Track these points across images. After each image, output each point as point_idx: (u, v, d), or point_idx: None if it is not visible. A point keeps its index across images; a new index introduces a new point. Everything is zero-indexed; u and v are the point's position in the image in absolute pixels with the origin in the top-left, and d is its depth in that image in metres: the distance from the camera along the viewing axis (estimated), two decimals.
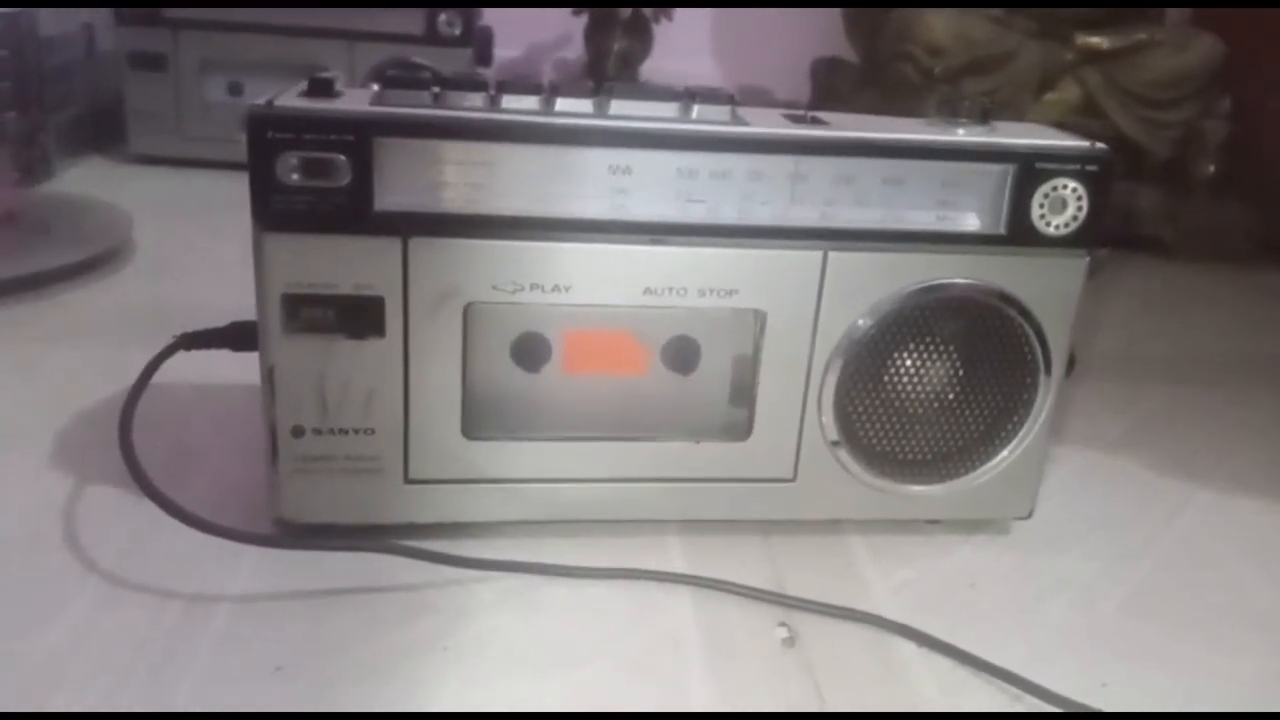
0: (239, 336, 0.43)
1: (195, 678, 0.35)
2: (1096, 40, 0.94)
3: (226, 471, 0.47)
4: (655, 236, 0.40)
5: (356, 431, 0.41)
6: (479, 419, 0.42)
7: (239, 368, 0.44)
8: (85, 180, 0.93)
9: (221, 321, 0.44)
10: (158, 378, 0.43)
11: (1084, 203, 0.42)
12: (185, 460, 0.48)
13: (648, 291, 0.41)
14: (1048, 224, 0.42)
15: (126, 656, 0.36)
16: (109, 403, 0.52)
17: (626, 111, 0.39)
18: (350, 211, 0.38)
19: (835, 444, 0.44)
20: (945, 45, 0.92)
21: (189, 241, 0.78)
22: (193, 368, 0.45)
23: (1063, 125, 0.93)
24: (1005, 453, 0.45)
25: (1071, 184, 0.41)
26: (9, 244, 0.71)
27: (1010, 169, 0.41)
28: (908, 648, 0.39)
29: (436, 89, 0.39)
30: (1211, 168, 0.95)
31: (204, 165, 0.97)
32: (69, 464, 0.47)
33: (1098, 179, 0.41)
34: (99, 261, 0.71)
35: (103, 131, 1.01)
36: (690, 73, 0.98)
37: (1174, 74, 0.94)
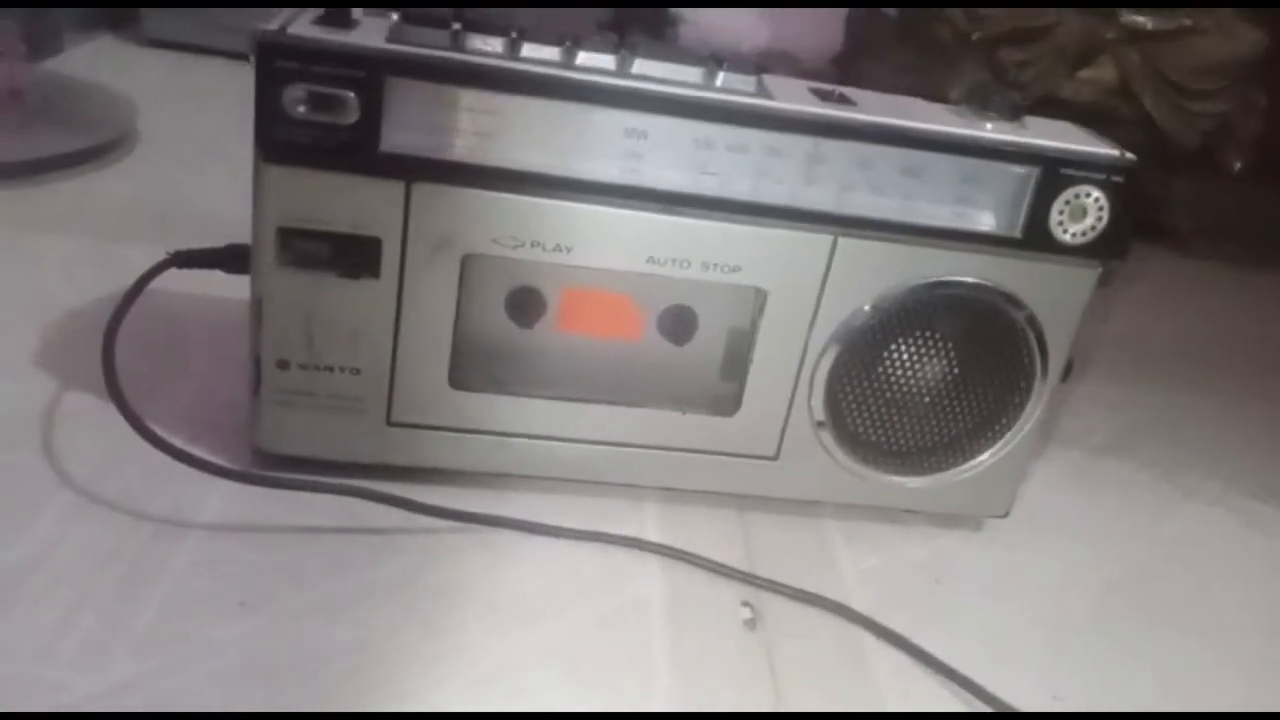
0: (233, 259, 0.42)
1: (160, 602, 0.35)
2: (1141, 20, 0.91)
3: (210, 390, 0.47)
4: (664, 205, 0.39)
5: (342, 370, 0.40)
6: (467, 369, 0.41)
7: (235, 282, 0.43)
8: (94, 60, 0.90)
9: (219, 229, 0.43)
10: (150, 285, 0.42)
11: (1105, 213, 0.41)
12: (169, 374, 0.47)
13: (651, 260, 0.40)
14: (1065, 231, 0.41)
15: (92, 574, 0.36)
16: (99, 303, 0.52)
17: (648, 72, 0.38)
18: (355, 150, 0.36)
19: (820, 425, 0.43)
20: (987, 11, 0.89)
21: (196, 134, 0.77)
22: (187, 278, 0.44)
23: (1094, 107, 0.91)
24: (989, 454, 0.45)
25: (1095, 193, 0.40)
26: (10, 124, 0.69)
27: (1035, 172, 0.40)
28: (868, 639, 0.40)
29: (457, 26, 0.37)
30: (1239, 164, 0.93)
31: (219, 54, 0.94)
32: (52, 365, 0.47)
33: (1122, 190, 0.40)
34: (101, 150, 0.69)
35: (116, 10, 0.98)
36: (725, 23, 0.95)
37: (1214, 64, 0.91)
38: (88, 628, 0.34)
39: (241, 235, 0.41)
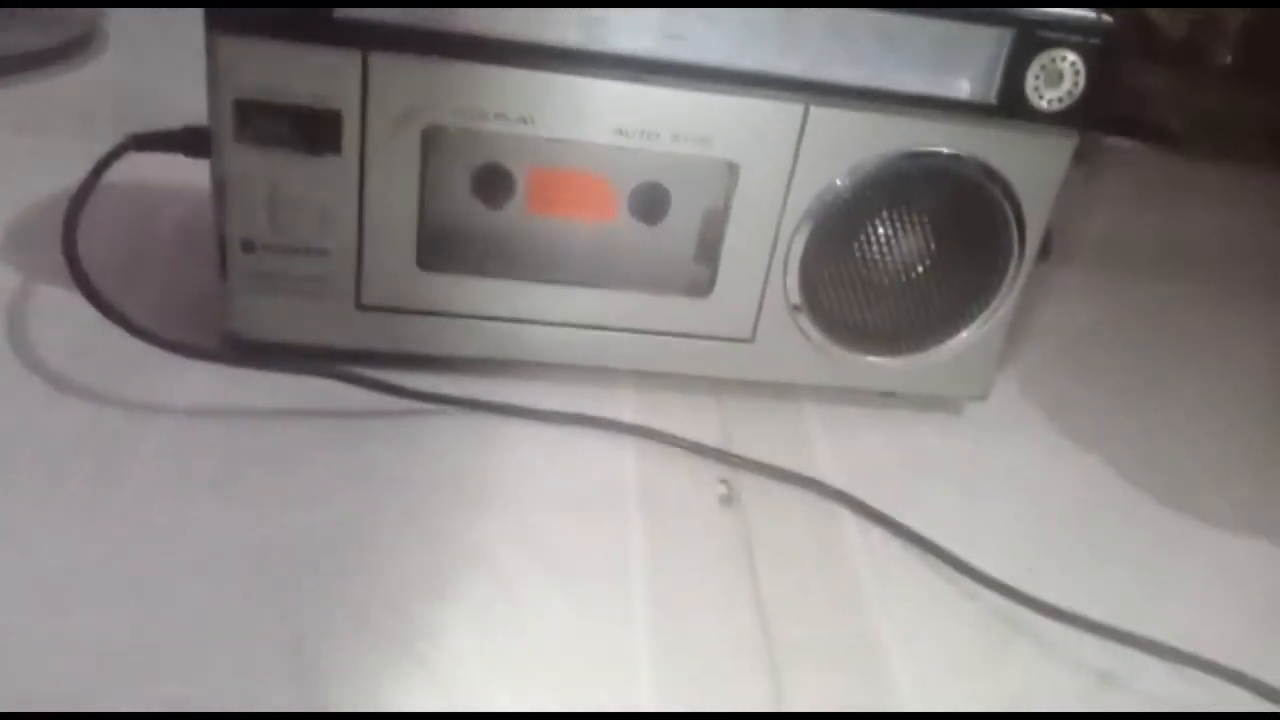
0: (193, 141, 0.41)
1: (132, 485, 0.35)
2: None
3: (179, 280, 0.46)
4: (632, 73, 0.38)
5: (308, 251, 0.40)
6: (435, 251, 0.41)
7: (200, 171, 0.42)
8: None
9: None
10: (115, 177, 0.41)
11: (1081, 78, 0.40)
12: (137, 265, 0.47)
13: (619, 132, 0.39)
14: (1041, 97, 0.40)
15: (63, 459, 0.35)
16: (65, 199, 0.51)
17: None
18: (309, 18, 0.35)
19: (796, 308, 0.43)
20: None
21: (164, 30, 0.75)
22: (152, 168, 0.43)
23: None
24: (968, 332, 0.44)
25: (1071, 56, 0.39)
26: None
27: (1009, 34, 0.39)
28: (844, 516, 0.40)
29: None
30: (1229, 57, 0.91)
31: None
32: (17, 260, 0.46)
33: (1099, 54, 0.39)
34: (66, 47, 0.68)
35: None
36: None
37: None
38: (58, 512, 0.33)
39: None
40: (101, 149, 0.41)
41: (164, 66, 0.69)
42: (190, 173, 0.42)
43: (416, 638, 0.31)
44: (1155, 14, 0.88)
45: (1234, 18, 0.90)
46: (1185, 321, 0.62)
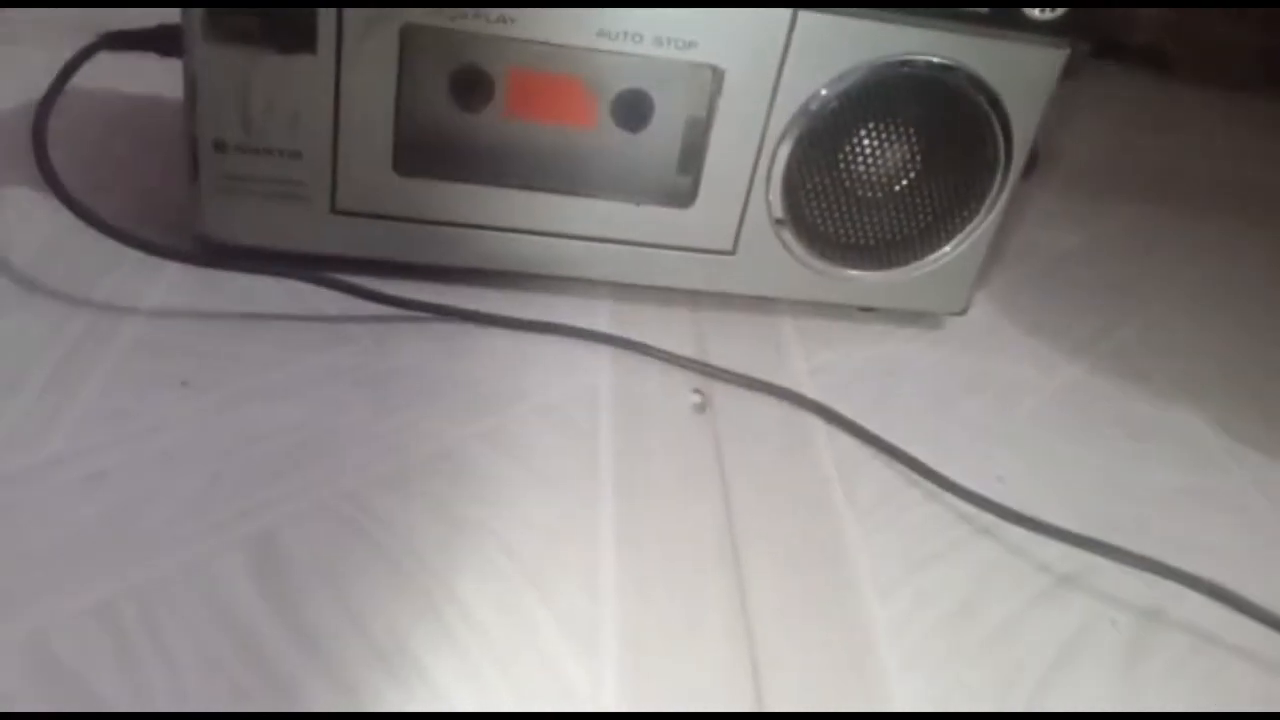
0: (166, 39, 0.40)
1: (98, 382, 0.35)
2: None
3: (148, 184, 0.45)
4: None
5: (282, 153, 0.39)
6: (412, 155, 0.40)
7: (171, 75, 0.41)
8: None
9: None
10: (85, 82, 0.40)
11: None
12: (108, 169, 0.46)
13: (601, 34, 0.38)
14: (1033, 6, 0.39)
15: (29, 357, 0.35)
16: (33, 105, 0.50)
17: None
18: None
19: (779, 222, 0.43)
20: None
21: None
22: (122, 71, 0.42)
23: None
24: (949, 246, 0.44)
25: None
26: None
27: None
28: (815, 424, 0.40)
29: None
30: None
31: None
32: None
33: None
34: None
35: None
36: None
37: None
38: (24, 407, 0.33)
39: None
40: (68, 53, 0.40)
41: None
42: (161, 74, 0.41)
43: (379, 530, 0.31)
44: None
45: None
46: (1166, 242, 0.62)
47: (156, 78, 0.44)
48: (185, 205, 0.40)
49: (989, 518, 0.36)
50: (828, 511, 0.36)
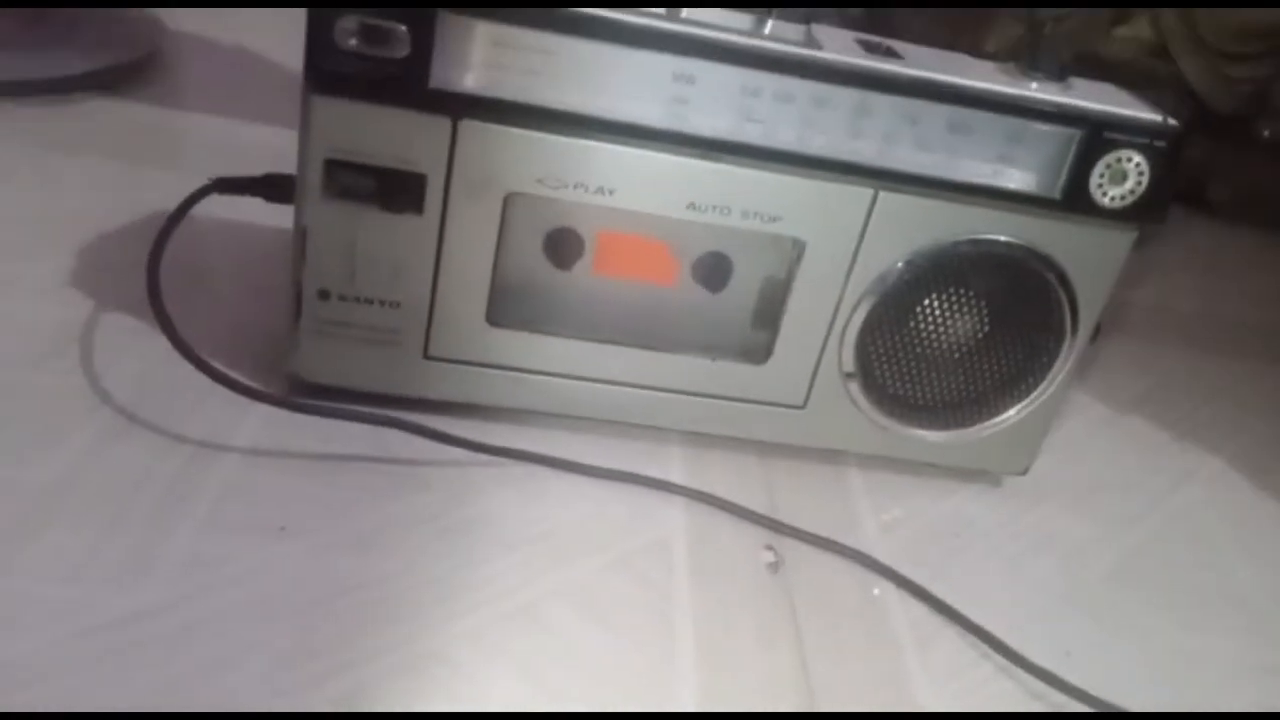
0: (273, 187, 0.43)
1: (195, 524, 0.36)
2: None
3: (243, 317, 0.47)
4: (708, 151, 0.39)
5: (382, 303, 0.41)
6: (504, 307, 0.42)
7: (269, 210, 0.43)
8: None
9: (243, 153, 0.43)
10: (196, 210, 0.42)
11: (1145, 177, 0.41)
12: (203, 300, 0.48)
13: (691, 206, 0.40)
14: (1104, 194, 0.41)
15: (128, 494, 0.37)
16: (131, 225, 0.52)
17: (698, 17, 0.38)
18: (404, 84, 0.36)
19: (849, 377, 0.44)
20: None
21: (218, 56, 0.76)
22: (219, 202, 0.44)
23: (1131, 66, 0.89)
24: (1014, 411, 0.45)
25: (1136, 157, 0.40)
26: (34, 42, 0.68)
27: (1078, 134, 0.40)
28: (888, 588, 0.41)
29: None
30: (1267, 132, 0.92)
31: None
32: (88, 287, 0.47)
33: (1164, 155, 0.40)
34: (125, 69, 0.69)
35: None
36: None
37: (1253, 28, 0.90)
38: (121, 549, 0.34)
39: (263, 157, 0.40)
40: (158, 173, 0.42)
41: (216, 91, 0.71)
42: (256, 212, 0.43)
43: (466, 688, 0.32)
44: (1205, 89, 0.89)
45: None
46: (1228, 393, 0.63)
47: (258, 209, 0.46)
48: (278, 341, 0.42)
49: (1060, 694, 0.37)
50: (903, 683, 0.36)
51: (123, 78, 0.68)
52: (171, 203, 0.42)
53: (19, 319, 0.44)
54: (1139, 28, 0.90)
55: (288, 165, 0.40)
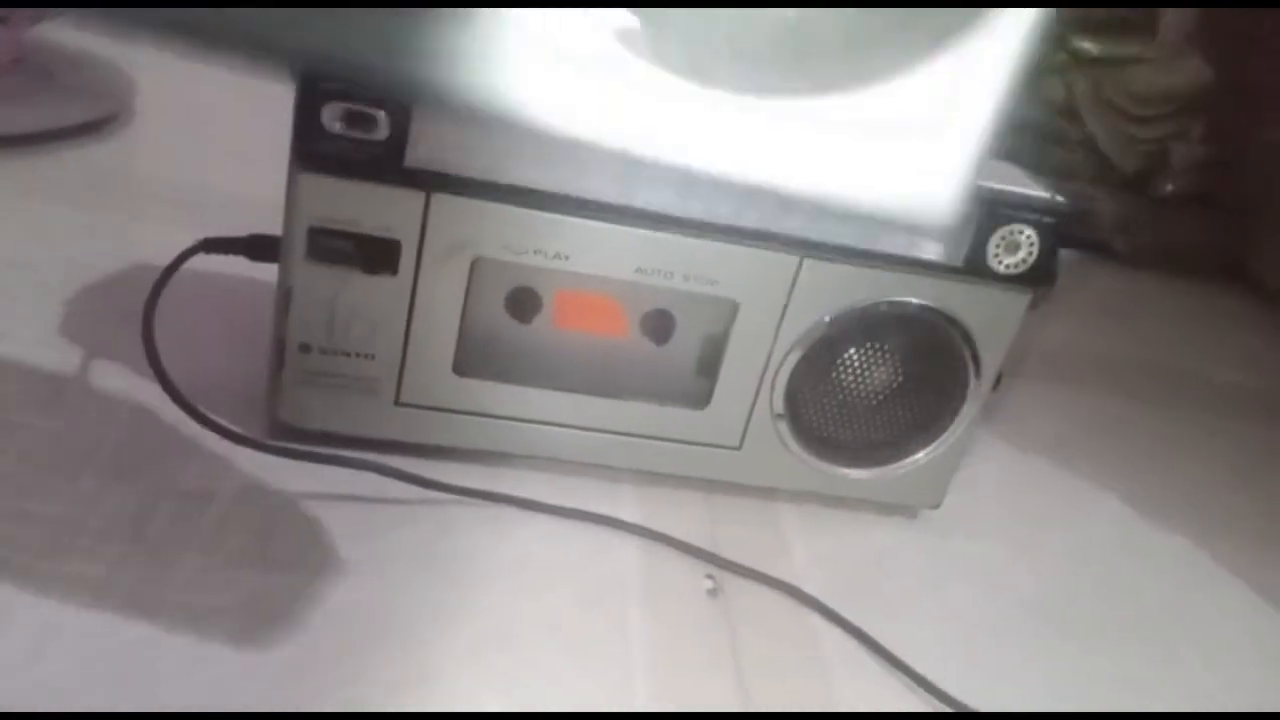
0: (258, 248, 0.46)
1: (193, 558, 0.40)
2: (1089, 46, 0.98)
3: (226, 366, 0.51)
4: (654, 224, 0.44)
5: (359, 355, 0.45)
6: (470, 359, 0.46)
7: (250, 267, 0.47)
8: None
9: (220, 204, 0.47)
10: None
11: (1035, 248, 0.46)
12: (188, 350, 0.51)
13: (639, 270, 0.45)
14: (1000, 262, 0.47)
15: (127, 535, 0.40)
16: (118, 276, 0.55)
17: None
18: (383, 163, 0.41)
19: (779, 418, 0.49)
20: None
21: (190, 109, 0.80)
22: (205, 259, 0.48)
23: (1040, 126, 0.96)
24: (925, 452, 0.51)
25: (1028, 230, 0.46)
26: (11, 91, 0.71)
27: (977, 211, 0.45)
28: (818, 619, 0.46)
29: None
30: (1170, 187, 1.00)
31: None
32: (79, 338, 0.50)
33: (1051, 229, 0.46)
34: (99, 123, 0.72)
35: None
36: None
37: (1159, 92, 0.98)
38: (134, 578, 0.38)
39: (238, 209, 0.44)
40: (140, 224, 0.45)
41: (189, 143, 0.74)
42: (236, 266, 0.47)
43: (448, 708, 0.36)
44: (1111, 149, 0.97)
45: (1182, 158, 0.99)
46: (1126, 433, 0.69)
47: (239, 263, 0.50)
48: (264, 390, 0.46)
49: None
50: (835, 704, 0.41)
51: (95, 130, 0.72)
52: (147, 252, 0.46)
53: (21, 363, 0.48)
54: (1050, 90, 0.98)
55: (257, 216, 0.43)
